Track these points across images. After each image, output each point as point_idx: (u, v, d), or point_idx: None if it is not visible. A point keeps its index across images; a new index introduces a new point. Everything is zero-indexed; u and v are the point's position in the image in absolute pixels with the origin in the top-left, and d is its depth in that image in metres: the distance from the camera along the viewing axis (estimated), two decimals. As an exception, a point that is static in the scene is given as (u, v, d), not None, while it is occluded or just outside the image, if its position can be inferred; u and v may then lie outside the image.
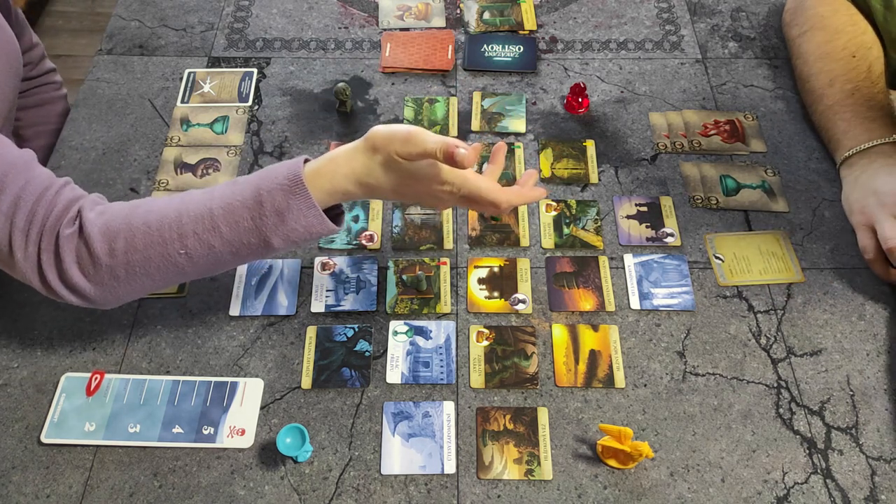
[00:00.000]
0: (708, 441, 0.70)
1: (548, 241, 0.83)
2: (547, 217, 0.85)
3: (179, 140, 0.92)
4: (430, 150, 0.61)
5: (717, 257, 0.82)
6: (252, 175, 0.65)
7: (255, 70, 0.99)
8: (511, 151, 0.91)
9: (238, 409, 0.71)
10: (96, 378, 0.73)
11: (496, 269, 0.81)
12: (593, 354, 0.75)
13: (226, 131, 0.93)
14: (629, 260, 0.81)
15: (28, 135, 1.02)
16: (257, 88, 0.97)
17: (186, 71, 0.99)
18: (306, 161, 0.64)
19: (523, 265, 0.81)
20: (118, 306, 0.69)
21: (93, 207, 0.65)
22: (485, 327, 0.77)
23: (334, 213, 0.67)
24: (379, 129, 0.63)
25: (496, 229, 0.84)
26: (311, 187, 0.62)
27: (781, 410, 0.72)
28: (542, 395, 0.72)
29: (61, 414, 0.71)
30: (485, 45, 1.02)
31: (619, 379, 0.73)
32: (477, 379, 0.73)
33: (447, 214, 0.85)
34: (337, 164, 0.63)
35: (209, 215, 0.63)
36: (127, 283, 0.65)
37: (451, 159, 0.60)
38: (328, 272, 0.81)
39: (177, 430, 0.70)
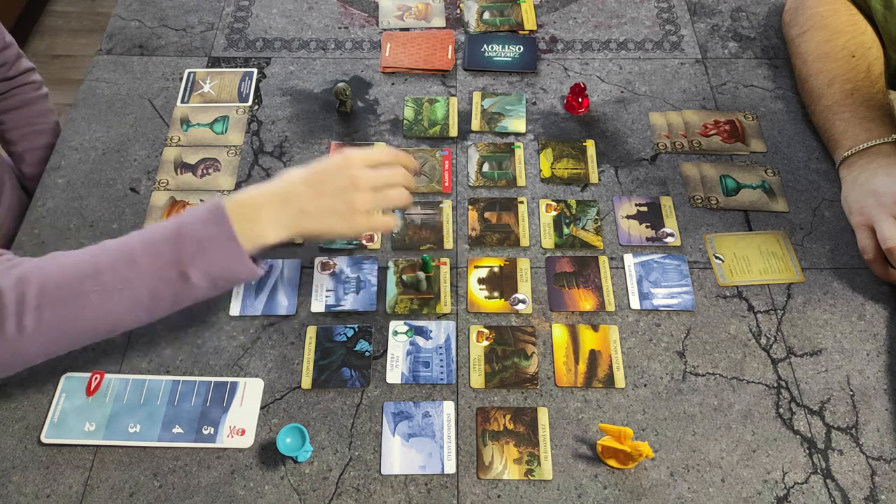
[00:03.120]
0: (708, 441, 0.70)
1: (548, 241, 0.83)
2: (547, 217, 0.85)
3: (179, 140, 0.92)
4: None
5: (717, 257, 0.82)
6: (171, 217, 0.66)
7: (255, 70, 0.99)
8: (511, 151, 0.91)
9: (238, 409, 0.71)
10: (96, 378, 0.73)
11: (496, 269, 0.81)
12: (593, 354, 0.75)
13: (226, 131, 0.93)
14: (629, 260, 0.81)
15: (14, 138, 1.01)
16: (257, 88, 0.97)
17: (186, 71, 0.99)
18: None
19: (523, 265, 0.81)
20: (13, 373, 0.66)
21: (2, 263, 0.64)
22: (485, 327, 0.77)
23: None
24: None
25: (495, 229, 0.84)
26: (233, 216, 0.63)
27: (781, 410, 0.72)
28: (542, 395, 0.72)
29: (61, 414, 0.71)
30: (485, 45, 1.02)
31: (619, 379, 0.73)
32: (477, 379, 0.73)
33: (447, 214, 0.85)
34: (251, 191, 0.66)
35: (128, 250, 0.63)
36: (35, 336, 0.61)
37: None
38: (328, 272, 0.81)
39: (177, 430, 0.70)
